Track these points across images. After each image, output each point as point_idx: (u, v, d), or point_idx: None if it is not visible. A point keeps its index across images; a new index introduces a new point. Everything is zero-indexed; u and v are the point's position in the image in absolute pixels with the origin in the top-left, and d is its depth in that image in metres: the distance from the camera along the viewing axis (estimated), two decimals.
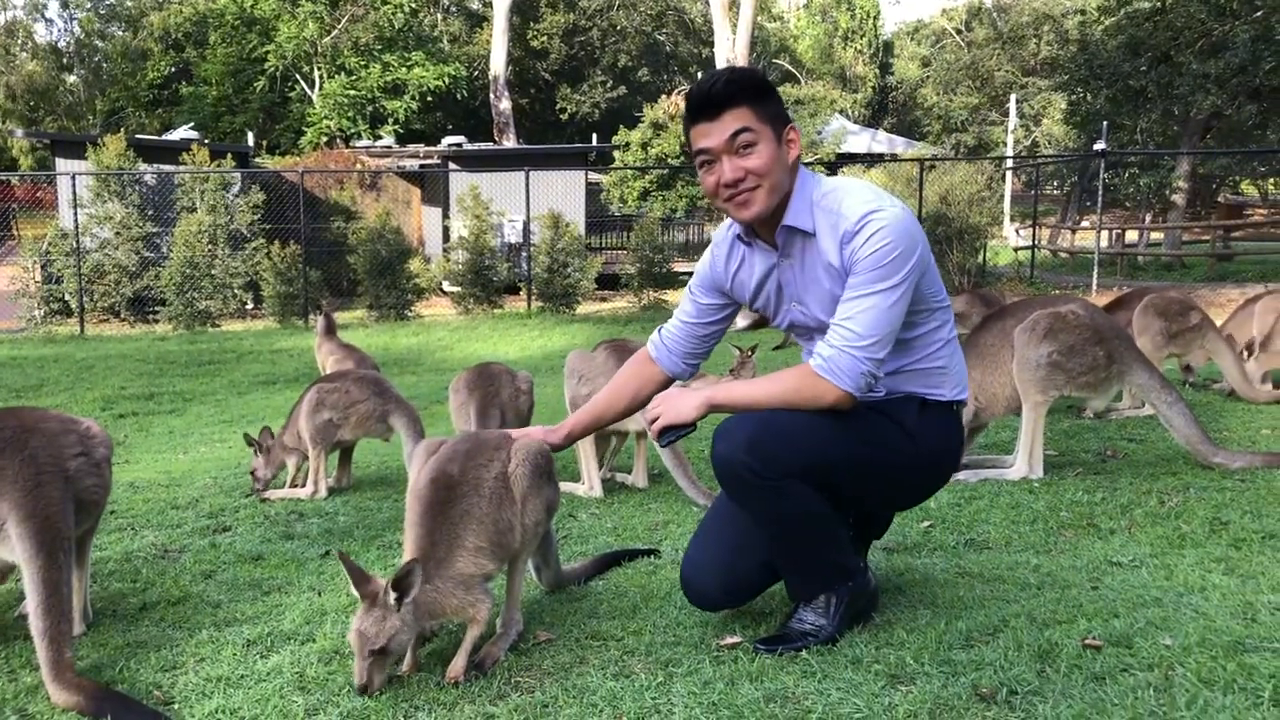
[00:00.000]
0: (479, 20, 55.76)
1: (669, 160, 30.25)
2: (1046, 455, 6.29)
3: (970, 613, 3.82)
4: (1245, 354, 8.79)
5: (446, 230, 27.23)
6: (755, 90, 3.51)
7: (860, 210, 3.42)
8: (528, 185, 24.43)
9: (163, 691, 3.62)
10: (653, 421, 3.64)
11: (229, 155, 26.01)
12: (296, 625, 4.17)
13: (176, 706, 3.49)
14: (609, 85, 54.01)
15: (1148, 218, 39.21)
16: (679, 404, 3.60)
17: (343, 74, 42.90)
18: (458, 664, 3.55)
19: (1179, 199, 34.75)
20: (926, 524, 5.17)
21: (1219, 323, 9.19)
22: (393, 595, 3.41)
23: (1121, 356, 6.24)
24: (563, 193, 26.47)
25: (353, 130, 41.55)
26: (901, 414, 3.64)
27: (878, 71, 66.53)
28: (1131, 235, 36.68)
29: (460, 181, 26.65)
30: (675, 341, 3.98)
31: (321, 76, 43.37)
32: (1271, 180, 50.37)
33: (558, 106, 54.20)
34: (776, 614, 3.89)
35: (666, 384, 4.00)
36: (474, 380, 7.30)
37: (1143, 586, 4.09)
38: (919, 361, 3.65)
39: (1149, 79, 31.38)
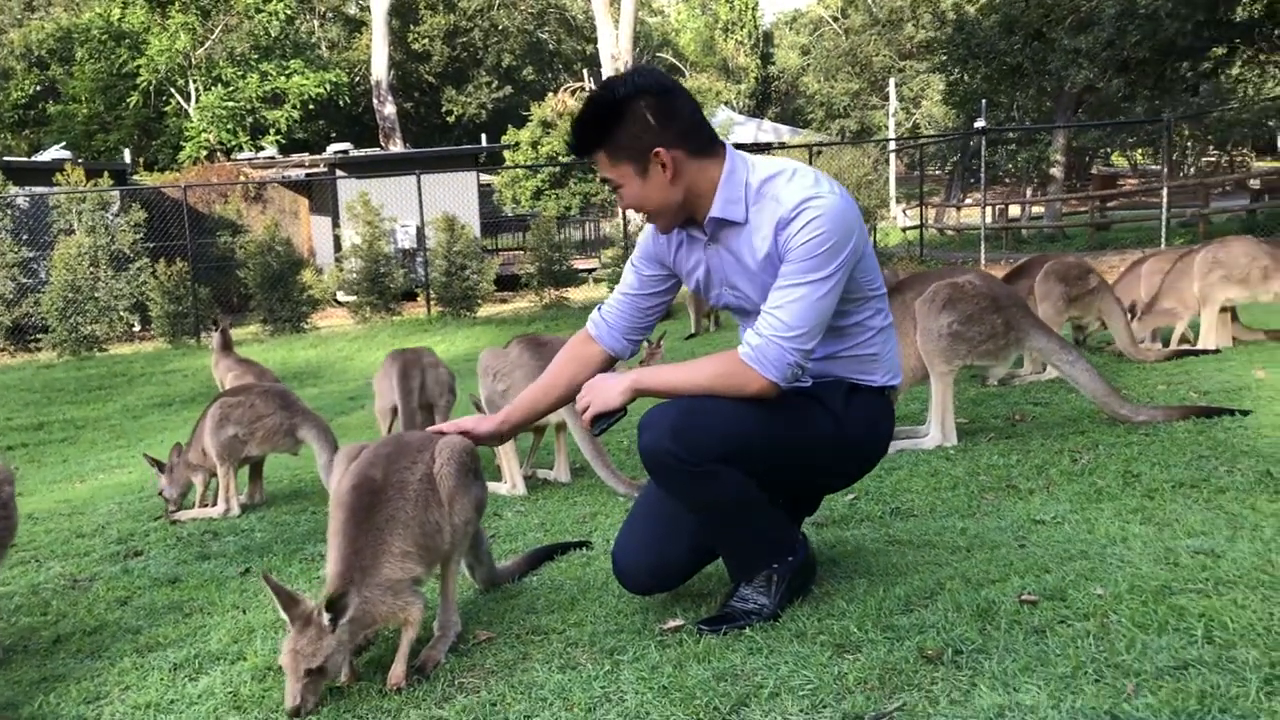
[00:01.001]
0: (357, 25, 55.15)
1: (560, 158, 30.22)
2: (957, 423, 6.42)
3: (906, 578, 3.87)
4: (1131, 316, 9.15)
5: (338, 239, 27.00)
6: (603, 133, 3.51)
7: (797, 197, 3.42)
8: (420, 189, 24.29)
9: None
10: (583, 411, 3.63)
11: (105, 174, 25.40)
12: (224, 645, 4.12)
13: None
14: (494, 85, 53.75)
15: (1028, 192, 40.02)
16: (605, 391, 3.59)
17: (219, 85, 42.12)
18: (397, 670, 3.52)
19: (1056, 172, 35.58)
20: (851, 497, 5.23)
21: None
22: (326, 616, 3.35)
23: (1019, 323, 6.40)
24: (455, 195, 26.37)
25: (233, 143, 40.81)
26: (829, 399, 3.66)
27: (759, 62, 66.97)
28: (1014, 210, 37.39)
29: (349, 189, 26.46)
30: (617, 316, 3.95)
31: (197, 89, 42.59)
32: (1140, 150, 51.66)
33: (444, 109, 53.84)
34: (715, 595, 3.92)
35: (606, 365, 3.97)
36: (396, 354, 7.89)
37: (1067, 541, 4.18)
38: (851, 348, 3.68)
39: (1024, 55, 32.09)
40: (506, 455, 6.43)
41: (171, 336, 22.84)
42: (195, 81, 42.68)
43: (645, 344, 10.45)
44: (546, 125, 30.67)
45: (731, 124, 40.03)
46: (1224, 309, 9.04)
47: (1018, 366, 8.36)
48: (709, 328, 16.48)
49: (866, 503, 5.15)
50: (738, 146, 3.72)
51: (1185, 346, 9.14)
